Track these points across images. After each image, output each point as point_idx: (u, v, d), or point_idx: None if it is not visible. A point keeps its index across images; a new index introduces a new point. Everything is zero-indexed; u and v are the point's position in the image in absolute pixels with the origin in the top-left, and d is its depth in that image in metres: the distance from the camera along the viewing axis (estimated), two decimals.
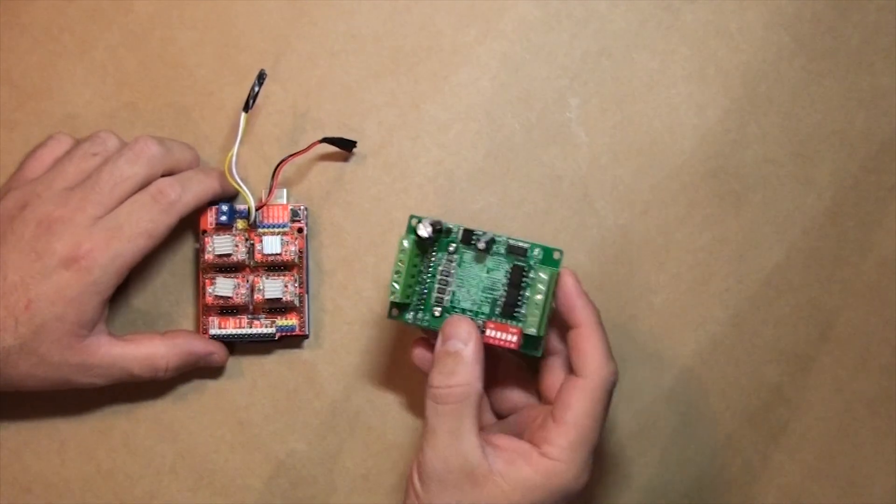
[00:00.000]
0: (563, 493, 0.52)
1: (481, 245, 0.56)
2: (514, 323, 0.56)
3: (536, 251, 0.56)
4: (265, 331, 0.60)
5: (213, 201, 0.60)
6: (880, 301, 0.61)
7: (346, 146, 0.61)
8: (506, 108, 0.62)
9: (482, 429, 0.54)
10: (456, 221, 0.60)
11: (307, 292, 0.61)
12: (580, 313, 0.54)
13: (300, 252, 0.60)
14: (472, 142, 0.62)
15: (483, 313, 0.56)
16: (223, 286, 0.59)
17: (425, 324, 0.57)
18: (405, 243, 0.55)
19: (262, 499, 0.61)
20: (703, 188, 0.62)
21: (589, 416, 0.52)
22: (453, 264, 0.57)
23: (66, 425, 0.61)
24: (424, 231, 0.55)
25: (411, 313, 0.57)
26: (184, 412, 0.61)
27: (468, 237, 0.56)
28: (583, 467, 0.52)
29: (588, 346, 0.54)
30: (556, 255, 0.56)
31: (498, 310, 0.56)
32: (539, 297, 0.54)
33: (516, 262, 0.56)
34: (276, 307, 0.60)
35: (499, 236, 0.56)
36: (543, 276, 0.54)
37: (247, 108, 0.59)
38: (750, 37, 0.62)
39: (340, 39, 0.63)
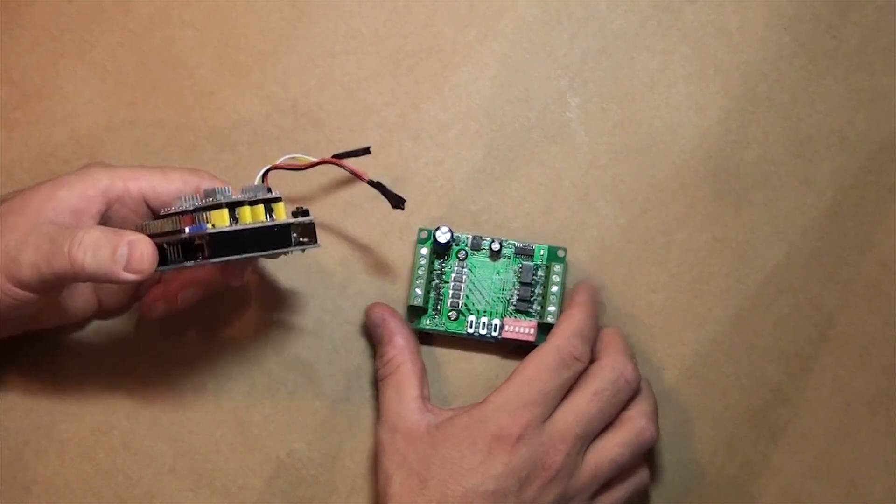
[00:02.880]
0: (493, 435, 0.54)
1: (495, 246, 0.59)
2: (529, 318, 0.59)
3: (542, 251, 0.60)
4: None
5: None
6: (880, 301, 0.61)
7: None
8: (506, 108, 0.62)
9: None
10: (456, 222, 0.61)
11: None
12: (577, 298, 0.58)
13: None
14: (472, 142, 0.62)
15: (497, 312, 0.60)
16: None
17: (442, 328, 0.60)
18: (423, 251, 0.59)
19: (262, 499, 0.61)
20: (703, 188, 0.62)
21: (528, 369, 0.55)
22: (465, 270, 0.60)
23: (66, 425, 0.61)
24: (444, 237, 0.59)
25: (428, 319, 0.60)
26: (184, 412, 0.61)
27: (478, 244, 0.60)
28: (512, 413, 0.54)
29: (561, 318, 0.57)
30: (560, 253, 0.60)
31: (511, 307, 0.60)
32: (555, 287, 0.58)
33: (525, 263, 0.59)
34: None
35: (506, 240, 0.60)
36: (559, 268, 0.59)
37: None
38: (750, 37, 0.62)
39: (340, 39, 0.63)
